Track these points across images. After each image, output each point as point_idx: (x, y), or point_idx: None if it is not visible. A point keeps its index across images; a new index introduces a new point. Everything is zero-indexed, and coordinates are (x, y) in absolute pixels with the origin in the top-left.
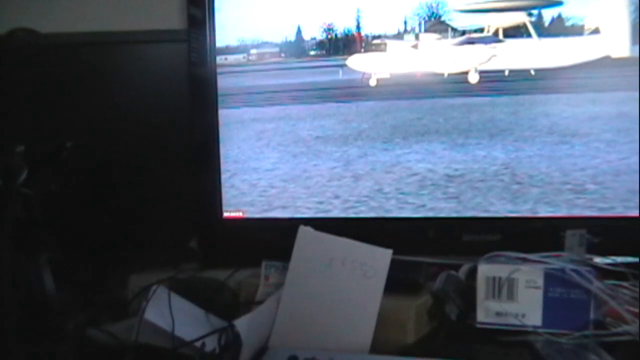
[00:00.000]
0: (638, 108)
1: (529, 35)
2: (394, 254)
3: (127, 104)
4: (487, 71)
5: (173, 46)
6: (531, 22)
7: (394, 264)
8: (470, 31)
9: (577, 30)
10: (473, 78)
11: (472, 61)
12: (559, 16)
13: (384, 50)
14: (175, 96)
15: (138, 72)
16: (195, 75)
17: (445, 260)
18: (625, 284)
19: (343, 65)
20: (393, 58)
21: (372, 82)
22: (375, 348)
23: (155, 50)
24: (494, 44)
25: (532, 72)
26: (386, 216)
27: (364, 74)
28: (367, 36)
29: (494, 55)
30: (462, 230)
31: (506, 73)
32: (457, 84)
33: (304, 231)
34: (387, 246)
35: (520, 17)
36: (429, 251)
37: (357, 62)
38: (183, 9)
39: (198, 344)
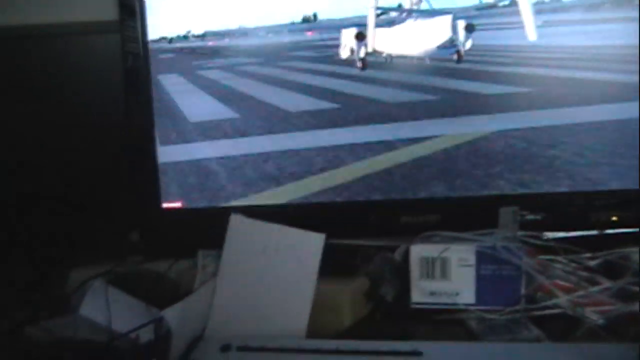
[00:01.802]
0: (638, 104)
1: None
2: (333, 238)
3: (60, 97)
4: None
5: (104, 38)
6: None
7: (330, 247)
8: None
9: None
10: None
11: None
12: None
13: None
14: (109, 88)
15: (70, 65)
16: (129, 66)
17: (381, 242)
18: (559, 258)
19: None
20: None
21: None
22: (312, 333)
23: (87, 42)
24: None
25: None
26: (324, 201)
27: None
28: None
29: None
30: (400, 212)
31: None
32: None
33: (236, 219)
34: (326, 230)
35: None
36: (369, 234)
37: None
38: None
39: (133, 336)
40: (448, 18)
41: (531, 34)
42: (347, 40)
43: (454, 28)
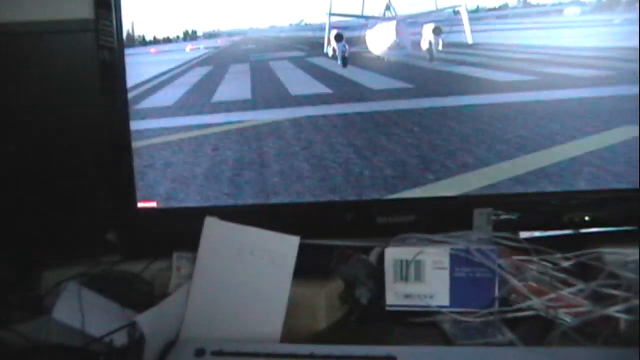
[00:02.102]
0: (638, 101)
1: None
2: (308, 238)
3: (36, 96)
4: None
5: (80, 36)
6: None
7: (305, 249)
8: None
9: None
10: None
11: None
12: None
13: None
14: (84, 87)
15: (46, 63)
16: (104, 64)
17: (356, 243)
18: (533, 258)
19: None
20: None
21: None
22: (287, 335)
23: (63, 40)
24: None
25: None
26: (299, 201)
27: None
28: None
29: None
30: (376, 212)
31: None
32: None
33: (210, 221)
34: (301, 231)
35: None
36: (344, 235)
37: None
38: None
39: (107, 339)
40: (393, 24)
41: (469, 38)
42: (330, 40)
43: (399, 32)
